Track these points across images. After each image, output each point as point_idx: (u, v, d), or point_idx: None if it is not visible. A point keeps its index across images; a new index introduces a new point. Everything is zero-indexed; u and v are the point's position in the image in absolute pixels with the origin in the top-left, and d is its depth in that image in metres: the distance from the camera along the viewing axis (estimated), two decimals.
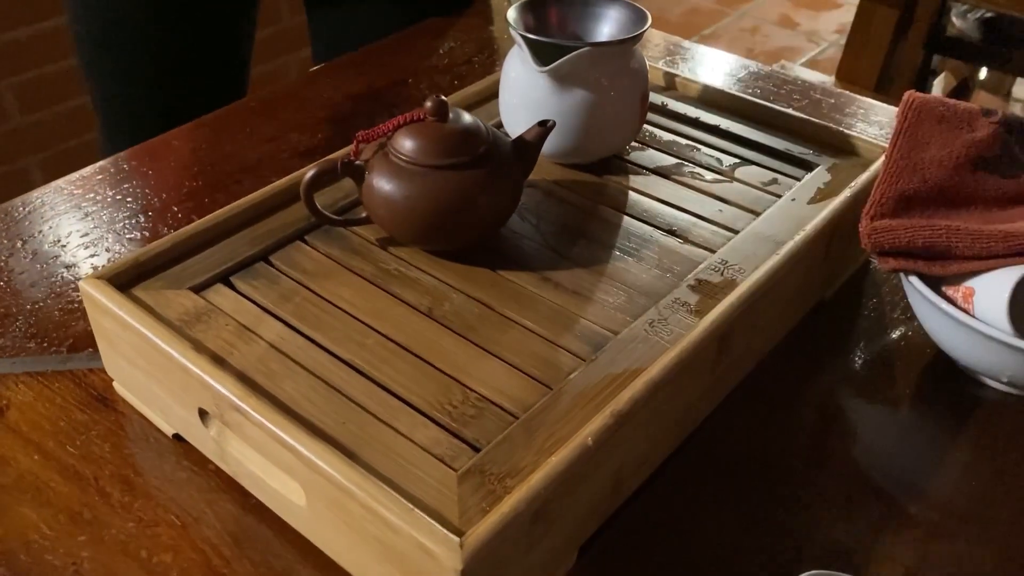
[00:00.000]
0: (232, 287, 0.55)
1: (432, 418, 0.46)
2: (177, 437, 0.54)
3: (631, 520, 0.50)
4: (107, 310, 0.52)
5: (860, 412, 0.58)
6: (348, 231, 0.59)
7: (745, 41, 2.81)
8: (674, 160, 0.67)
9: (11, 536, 0.49)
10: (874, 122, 0.87)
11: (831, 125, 0.69)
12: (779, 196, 0.63)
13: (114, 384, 0.58)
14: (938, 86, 1.98)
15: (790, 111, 0.71)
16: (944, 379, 0.60)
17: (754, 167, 0.67)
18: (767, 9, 3.00)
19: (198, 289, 0.54)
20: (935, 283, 0.58)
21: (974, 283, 0.56)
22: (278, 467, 0.46)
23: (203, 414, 0.50)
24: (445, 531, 0.40)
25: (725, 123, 0.71)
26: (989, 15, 1.69)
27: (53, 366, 0.59)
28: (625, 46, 0.62)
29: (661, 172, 0.66)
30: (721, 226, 0.60)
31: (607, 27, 0.66)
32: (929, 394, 0.59)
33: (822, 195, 0.62)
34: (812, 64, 2.66)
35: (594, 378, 0.48)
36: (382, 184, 0.54)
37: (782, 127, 0.70)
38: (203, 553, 0.48)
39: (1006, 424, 0.57)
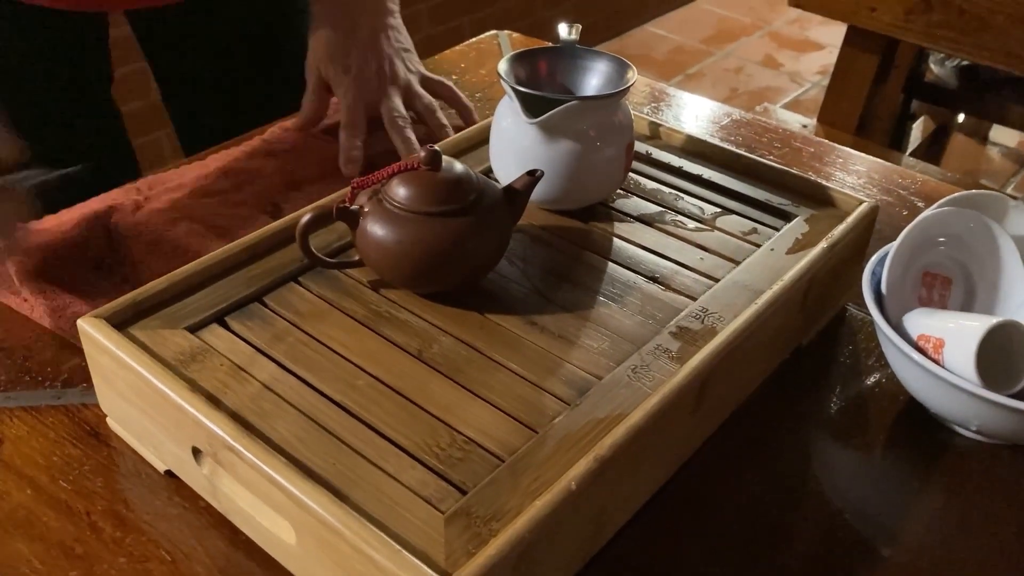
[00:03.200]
0: (227, 327, 0.56)
1: (420, 460, 0.48)
2: (169, 473, 0.55)
3: (611, 561, 0.52)
4: (104, 348, 0.53)
5: (835, 456, 0.59)
6: (341, 273, 0.61)
7: (729, 81, 2.85)
8: (657, 208, 0.69)
9: (3, 570, 0.50)
10: (852, 171, 0.90)
11: (810, 176, 0.72)
12: (758, 246, 0.65)
13: (107, 420, 0.59)
14: (917, 129, 2.03)
15: (770, 162, 0.74)
16: (916, 425, 0.62)
17: (735, 216, 0.69)
18: (751, 49, 3.06)
19: (193, 329, 0.56)
20: (908, 333, 0.60)
21: (944, 334, 0.58)
22: (269, 506, 0.47)
23: (196, 452, 0.51)
24: (432, 572, 0.41)
25: (707, 173, 0.73)
26: (965, 63, 1.74)
27: (47, 401, 0.60)
28: (612, 99, 0.65)
29: (645, 220, 0.68)
30: (702, 274, 0.62)
31: (594, 80, 0.69)
32: (901, 440, 0.61)
33: (799, 245, 0.65)
34: (794, 105, 2.71)
35: (578, 423, 0.50)
36: (376, 229, 0.56)
37: (762, 177, 0.73)
38: None
39: (975, 471, 0.59)
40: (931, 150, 2.02)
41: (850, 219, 0.66)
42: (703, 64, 2.95)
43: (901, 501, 0.57)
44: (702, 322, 0.57)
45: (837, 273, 0.67)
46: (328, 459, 0.47)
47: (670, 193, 0.71)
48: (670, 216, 0.68)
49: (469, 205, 0.57)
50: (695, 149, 0.76)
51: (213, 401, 0.50)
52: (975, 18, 1.34)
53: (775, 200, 0.70)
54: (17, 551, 0.51)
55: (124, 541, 0.51)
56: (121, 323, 0.55)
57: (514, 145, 0.66)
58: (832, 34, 3.03)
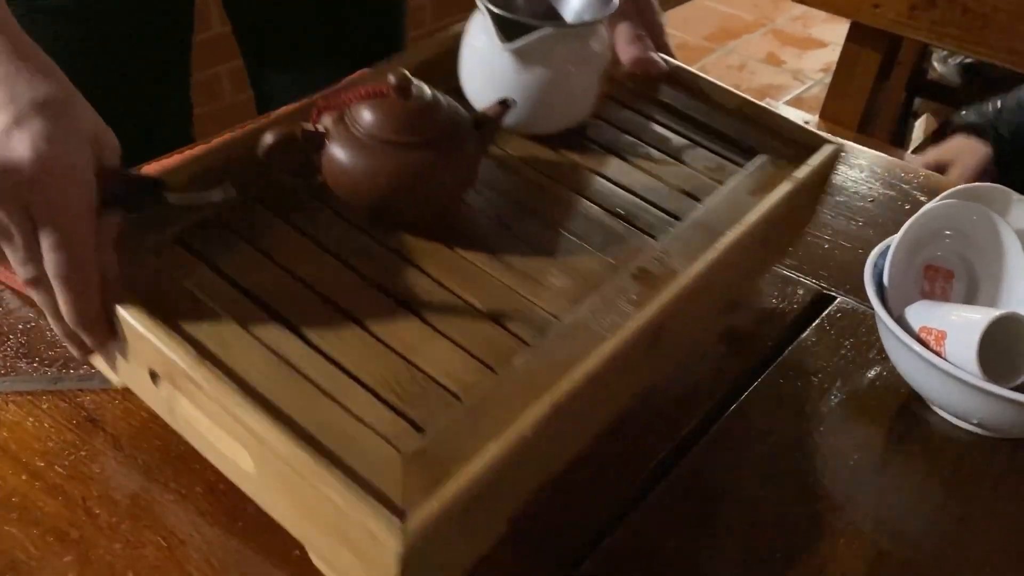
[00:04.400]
0: (192, 251, 0.54)
1: (379, 396, 0.48)
2: (126, 389, 0.55)
3: (611, 552, 0.52)
4: None
5: (836, 449, 0.59)
6: (309, 203, 0.58)
7: (732, 78, 2.85)
8: (628, 138, 0.68)
9: None
10: (855, 165, 0.90)
11: (779, 113, 0.70)
12: (722, 183, 0.64)
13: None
14: (920, 127, 2.02)
15: (741, 93, 0.71)
16: (917, 419, 0.61)
17: (701, 150, 0.67)
18: (754, 47, 3.05)
19: (158, 251, 0.54)
20: (910, 325, 0.60)
21: (946, 326, 0.58)
22: (228, 433, 0.47)
23: (153, 375, 0.50)
24: (389, 513, 0.41)
25: (679, 102, 0.71)
26: (968, 61, 1.73)
27: (43, 385, 0.60)
28: (591, 27, 0.63)
29: (614, 150, 0.67)
30: (666, 212, 0.61)
31: (574, 6, 0.66)
32: (902, 433, 0.61)
33: (762, 185, 0.63)
34: (797, 102, 2.70)
35: (536, 365, 0.50)
36: (341, 156, 0.54)
37: (732, 109, 0.71)
38: (188, 574, 0.49)
39: (976, 465, 0.59)
40: (933, 148, 2.01)
41: (814, 159, 0.65)
42: (706, 61, 2.95)
43: (902, 494, 0.56)
44: (662, 264, 0.57)
45: (793, 218, 0.67)
46: (288, 392, 0.47)
47: (641, 122, 0.70)
48: (640, 148, 0.67)
49: (437, 136, 0.55)
50: (672, 77, 0.74)
51: (172, 326, 0.48)
52: (979, 15, 1.34)
53: (743, 133, 0.69)
54: (12, 536, 0.50)
55: (119, 527, 0.51)
56: None
57: (486, 67, 0.63)
58: (835, 32, 3.03)
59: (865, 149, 0.92)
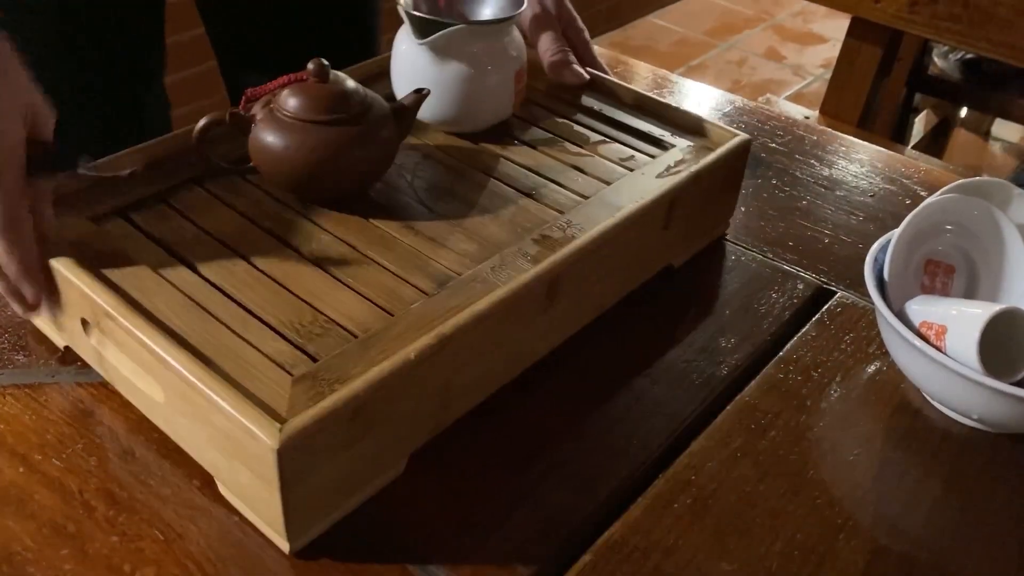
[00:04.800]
0: (129, 220, 0.60)
1: (282, 334, 0.52)
2: (67, 349, 0.59)
3: (610, 546, 0.51)
4: None
5: (835, 444, 0.59)
6: (241, 181, 0.64)
7: (732, 73, 2.84)
8: (549, 135, 0.73)
9: None
10: (855, 160, 0.89)
11: (689, 111, 0.75)
12: (631, 170, 0.69)
13: None
14: (920, 123, 2.02)
15: (655, 96, 0.76)
16: (916, 414, 0.61)
17: (616, 144, 0.73)
18: (754, 42, 3.05)
19: (97, 220, 0.59)
20: (910, 320, 0.60)
21: (947, 321, 0.57)
22: (143, 368, 0.52)
23: (85, 324, 0.55)
24: (269, 419, 0.45)
25: (599, 105, 0.77)
26: (970, 56, 1.73)
27: (41, 378, 0.59)
28: (498, 27, 0.69)
29: (533, 144, 0.72)
30: (575, 192, 0.66)
31: (488, 10, 0.73)
32: (901, 428, 0.60)
33: (669, 172, 0.68)
34: (797, 97, 2.70)
35: (433, 309, 0.54)
36: (266, 136, 0.60)
37: (649, 111, 0.76)
38: (186, 568, 0.49)
39: (975, 460, 0.58)
40: (933, 144, 2.01)
41: (720, 150, 0.70)
42: (706, 56, 2.94)
43: (901, 490, 0.56)
44: (564, 232, 0.61)
45: (707, 200, 0.71)
46: (196, 329, 0.51)
47: (563, 123, 0.75)
48: (558, 143, 0.72)
49: (355, 116, 0.60)
50: (594, 85, 0.80)
51: (99, 276, 0.54)
52: (980, 10, 1.33)
53: (656, 132, 0.74)
54: (8, 529, 0.50)
55: (117, 520, 0.51)
56: None
57: (408, 66, 0.70)
58: (836, 28, 3.02)
59: (865, 144, 0.92)
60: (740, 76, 2.83)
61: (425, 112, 0.69)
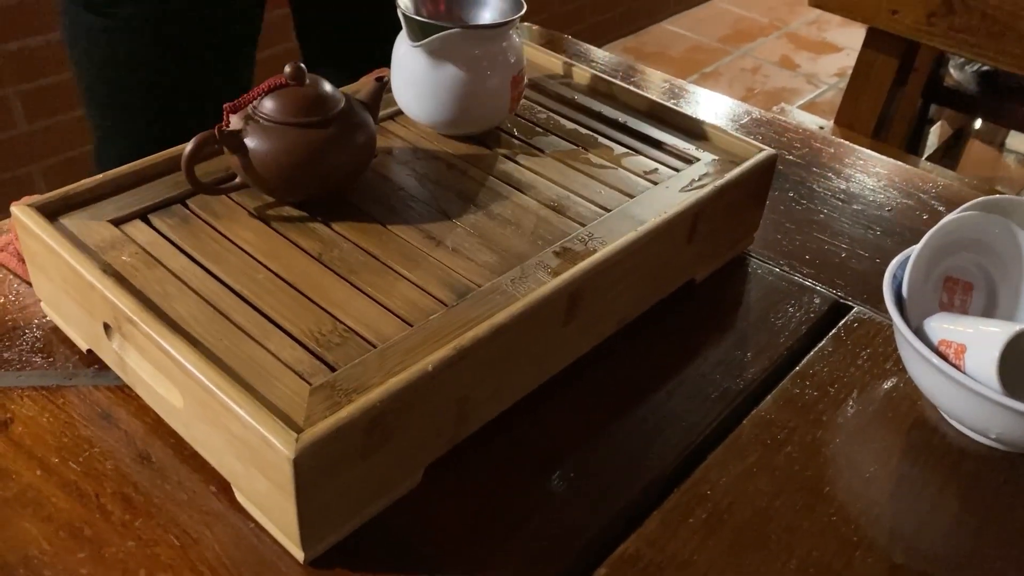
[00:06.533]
0: (149, 223, 0.60)
1: (301, 342, 0.52)
2: (90, 352, 0.60)
3: (624, 558, 0.51)
4: (34, 234, 0.57)
5: (851, 460, 0.58)
6: (254, 191, 0.63)
7: (745, 80, 2.84)
8: (573, 147, 0.73)
9: (10, 551, 0.49)
10: (872, 173, 0.89)
11: (715, 125, 0.74)
12: (655, 183, 0.68)
13: (41, 304, 0.63)
14: (934, 134, 2.01)
15: (680, 110, 0.75)
16: (934, 432, 0.61)
17: (641, 157, 0.72)
18: (768, 50, 3.04)
19: (117, 223, 0.60)
20: (928, 337, 0.59)
21: (966, 340, 0.57)
22: (163, 374, 0.52)
23: (107, 328, 0.55)
24: (286, 428, 0.45)
25: (623, 117, 0.77)
26: (985, 68, 1.72)
27: (58, 381, 0.60)
28: (494, 31, 0.69)
29: (557, 156, 0.71)
30: (598, 204, 0.66)
31: (487, 14, 0.73)
32: (919, 446, 0.60)
33: (693, 185, 0.67)
34: (810, 106, 2.69)
35: (452, 320, 0.54)
36: (249, 143, 0.60)
37: (674, 124, 0.76)
38: (200, 574, 0.49)
39: (993, 479, 0.58)
40: (948, 155, 2.00)
41: (745, 164, 0.69)
42: (720, 63, 2.94)
43: (918, 508, 0.56)
44: (585, 245, 0.61)
45: (731, 215, 0.70)
46: (217, 335, 0.52)
47: (587, 134, 0.75)
48: (582, 155, 0.72)
49: (333, 116, 0.61)
50: (610, 92, 0.80)
51: (121, 281, 0.54)
52: (997, 23, 1.32)
53: (681, 145, 0.73)
54: (26, 531, 0.50)
55: (133, 524, 0.51)
56: (52, 213, 0.59)
57: (405, 69, 0.70)
58: (850, 36, 3.01)
59: (882, 157, 0.92)
60: (754, 84, 2.83)
61: (419, 113, 0.70)
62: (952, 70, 1.79)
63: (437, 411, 0.52)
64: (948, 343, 0.57)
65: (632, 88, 0.79)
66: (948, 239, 0.63)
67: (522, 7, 0.70)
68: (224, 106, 0.61)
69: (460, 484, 0.55)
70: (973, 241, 0.64)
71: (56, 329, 0.63)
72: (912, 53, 1.57)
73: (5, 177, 1.70)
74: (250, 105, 0.61)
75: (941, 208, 0.84)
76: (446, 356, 0.50)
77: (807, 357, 0.66)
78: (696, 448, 0.59)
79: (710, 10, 3.30)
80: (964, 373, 0.56)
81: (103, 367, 0.59)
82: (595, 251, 0.60)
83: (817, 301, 0.71)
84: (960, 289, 0.65)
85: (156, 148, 0.66)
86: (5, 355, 0.61)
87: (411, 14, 0.67)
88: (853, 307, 0.71)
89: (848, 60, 1.65)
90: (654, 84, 1.05)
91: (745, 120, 0.97)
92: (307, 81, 0.61)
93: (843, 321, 0.69)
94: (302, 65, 0.61)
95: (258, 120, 0.60)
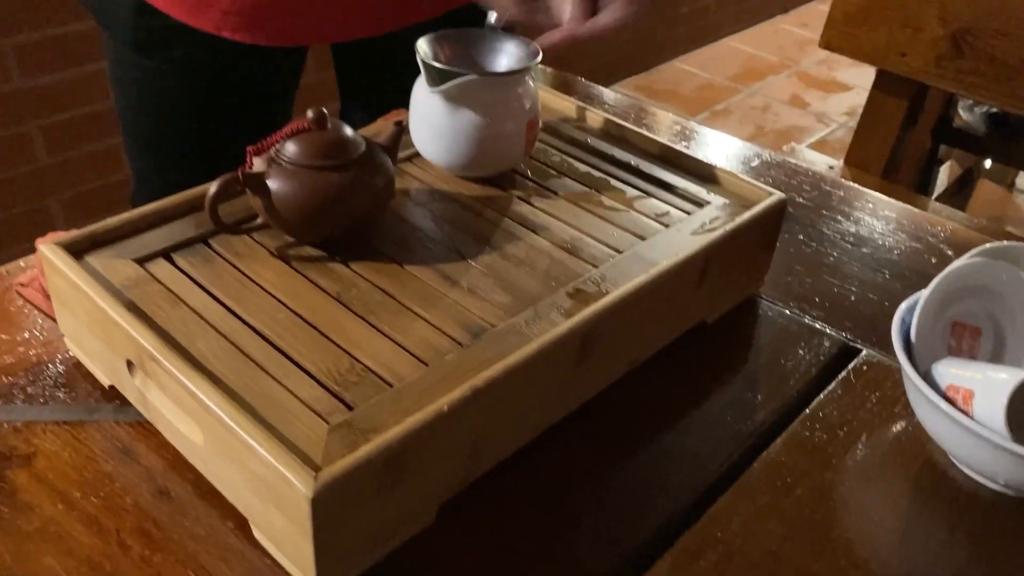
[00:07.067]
0: (172, 262, 0.62)
1: (320, 381, 0.53)
2: (112, 388, 0.61)
3: None
4: (60, 272, 0.59)
5: (859, 505, 0.59)
6: (275, 231, 0.65)
7: (755, 118, 2.86)
8: (585, 189, 0.74)
9: None
10: (881, 216, 0.90)
11: (725, 169, 0.75)
12: (667, 226, 0.69)
13: (65, 339, 0.64)
14: (944, 173, 2.02)
15: (691, 154, 0.77)
16: (942, 476, 0.61)
17: (652, 200, 0.73)
18: (778, 88, 3.07)
19: (142, 261, 0.61)
20: (936, 382, 0.60)
21: (974, 385, 0.58)
22: (183, 411, 0.53)
23: (130, 365, 0.56)
24: (305, 466, 0.46)
25: (635, 160, 0.78)
26: (994, 110, 1.74)
27: (81, 416, 0.61)
28: (510, 78, 0.71)
29: (570, 199, 0.73)
30: (610, 246, 0.67)
31: (505, 61, 0.74)
32: (927, 490, 0.61)
33: (704, 229, 0.69)
34: (820, 145, 2.71)
35: (466, 360, 0.55)
36: (275, 186, 0.61)
37: (685, 167, 0.77)
38: None
39: (1002, 524, 0.58)
40: (958, 195, 2.01)
41: (755, 208, 0.70)
42: (730, 101, 2.96)
43: (926, 553, 0.56)
44: (598, 286, 0.62)
45: (742, 258, 0.71)
46: (237, 373, 0.53)
47: (600, 177, 0.76)
48: (595, 197, 0.73)
49: (353, 161, 0.62)
50: (623, 136, 0.81)
51: (145, 319, 0.56)
52: (1006, 65, 1.34)
53: (692, 188, 0.75)
54: (47, 565, 0.51)
55: (152, 559, 0.52)
56: (77, 252, 0.61)
57: (423, 113, 0.72)
58: (859, 75, 3.04)
59: (892, 201, 0.93)
60: (764, 122, 2.85)
61: (436, 155, 0.72)
62: (961, 111, 1.80)
63: (451, 450, 0.53)
64: (956, 388, 0.58)
65: (643, 132, 0.80)
66: (956, 285, 0.64)
67: (538, 54, 0.72)
68: (247, 148, 0.63)
69: (472, 523, 0.56)
70: (981, 287, 0.65)
71: (79, 364, 0.64)
72: (922, 94, 1.59)
73: (25, 209, 1.73)
74: (273, 148, 0.63)
75: (949, 252, 0.85)
76: (461, 396, 0.51)
77: (817, 399, 0.66)
78: (707, 489, 0.59)
79: (720, 48, 3.34)
80: (972, 419, 0.56)
81: (124, 403, 0.60)
82: (607, 293, 0.61)
83: (827, 344, 0.72)
84: (968, 334, 0.65)
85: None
86: (29, 390, 0.62)
87: (429, 60, 0.69)
88: (862, 350, 0.71)
89: (858, 99, 1.67)
90: (665, 125, 1.06)
91: (755, 163, 0.99)
92: (329, 125, 0.63)
93: (852, 364, 0.70)
94: (324, 110, 0.63)
95: (280, 163, 0.62)
